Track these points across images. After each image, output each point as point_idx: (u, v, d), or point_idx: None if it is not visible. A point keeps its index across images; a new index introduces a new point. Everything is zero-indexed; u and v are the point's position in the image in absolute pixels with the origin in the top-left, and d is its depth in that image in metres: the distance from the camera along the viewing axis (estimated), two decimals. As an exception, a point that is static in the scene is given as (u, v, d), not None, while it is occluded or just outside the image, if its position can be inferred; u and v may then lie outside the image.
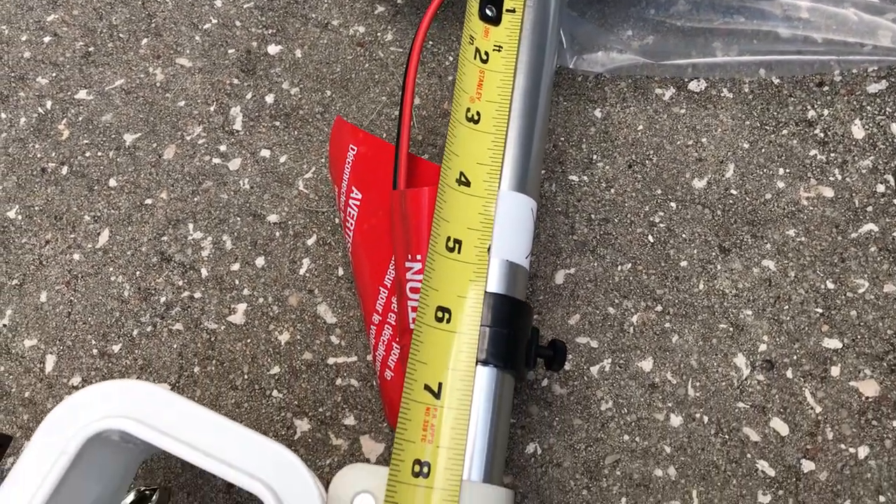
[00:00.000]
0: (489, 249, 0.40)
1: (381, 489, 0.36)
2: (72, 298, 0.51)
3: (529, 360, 0.40)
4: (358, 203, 0.45)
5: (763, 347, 0.46)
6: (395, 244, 0.43)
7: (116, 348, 0.49)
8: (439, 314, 0.39)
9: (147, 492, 0.44)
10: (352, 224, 0.46)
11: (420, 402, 0.38)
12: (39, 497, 0.32)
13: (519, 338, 0.40)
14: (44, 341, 0.50)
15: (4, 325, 0.50)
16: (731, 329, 0.46)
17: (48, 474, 0.33)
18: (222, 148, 0.54)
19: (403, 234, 0.42)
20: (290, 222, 0.51)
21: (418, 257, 0.41)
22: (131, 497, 0.44)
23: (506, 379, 0.39)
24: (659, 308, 0.47)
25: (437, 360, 0.38)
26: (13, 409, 0.48)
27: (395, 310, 0.44)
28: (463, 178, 0.41)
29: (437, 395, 0.38)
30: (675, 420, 0.45)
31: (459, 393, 0.38)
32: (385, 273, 0.45)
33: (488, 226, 0.41)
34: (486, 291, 0.40)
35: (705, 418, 0.45)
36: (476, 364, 0.39)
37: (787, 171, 0.50)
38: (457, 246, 0.40)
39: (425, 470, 0.37)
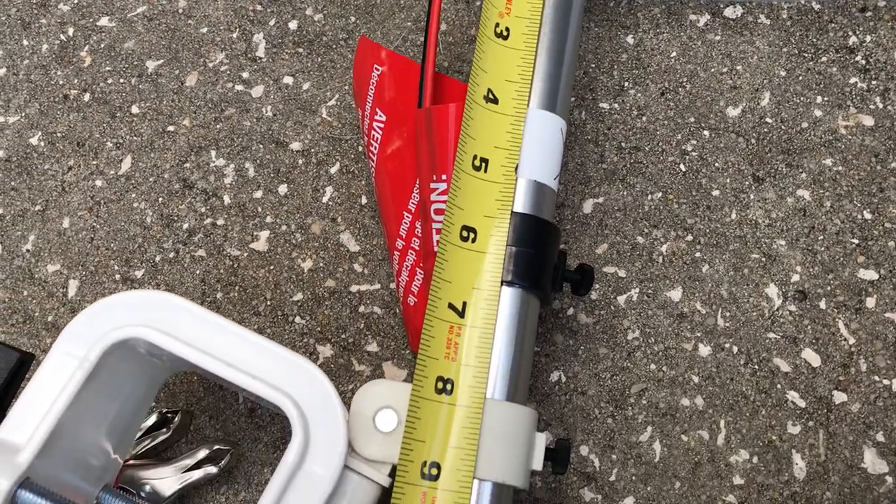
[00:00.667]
0: (517, 169, 0.39)
1: (403, 405, 0.36)
2: (94, 224, 0.50)
3: (556, 283, 0.40)
4: (382, 125, 0.44)
5: (796, 278, 0.45)
6: (419, 165, 0.42)
7: (139, 274, 0.49)
8: (464, 233, 0.38)
9: (169, 414, 0.44)
10: (375, 147, 0.45)
11: (444, 321, 0.37)
12: (60, 404, 0.32)
13: (545, 259, 0.39)
14: (67, 266, 0.49)
15: (28, 251, 0.50)
16: (763, 259, 0.45)
17: (68, 382, 0.33)
18: (245, 75, 0.53)
19: (428, 153, 0.41)
20: (313, 150, 0.51)
21: (443, 177, 0.40)
22: (153, 419, 0.44)
23: (531, 301, 0.39)
24: (689, 237, 0.46)
25: (461, 280, 0.38)
26: (36, 332, 0.48)
27: (419, 234, 0.43)
28: (491, 96, 0.40)
29: (461, 314, 0.37)
30: (704, 350, 0.44)
31: (484, 312, 0.37)
32: (409, 197, 0.44)
33: (516, 145, 0.40)
34: (512, 211, 0.39)
35: (735, 348, 0.44)
36: (501, 285, 0.38)
37: (826, 99, 0.48)
38: (483, 165, 0.39)
39: (448, 387, 0.36)
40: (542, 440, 0.37)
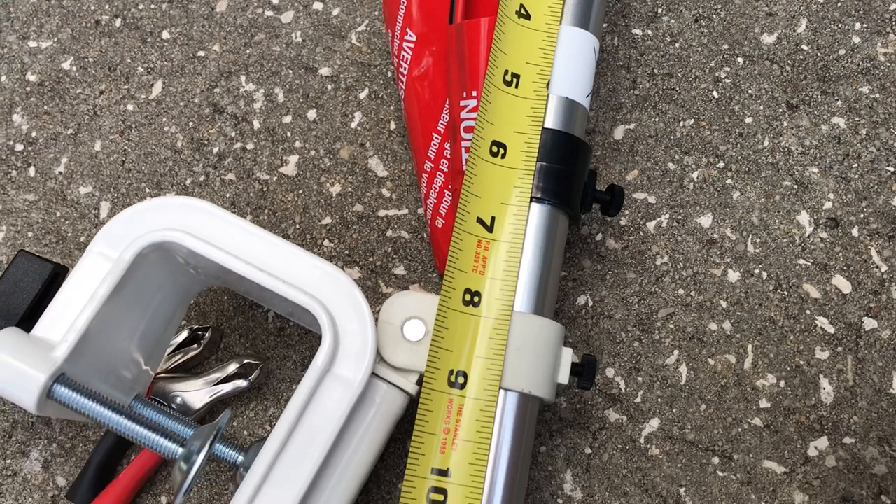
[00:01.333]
0: (548, 85, 0.39)
1: (430, 316, 0.36)
2: (126, 147, 0.51)
3: (585, 202, 0.39)
4: (412, 45, 0.44)
5: (828, 205, 0.44)
6: (449, 83, 0.42)
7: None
8: (494, 149, 0.38)
9: (199, 332, 0.45)
10: (405, 69, 0.45)
11: (472, 234, 0.37)
12: (94, 303, 0.33)
13: (575, 176, 0.39)
14: (98, 188, 0.50)
15: (60, 173, 0.51)
16: (795, 186, 0.45)
17: (102, 282, 0.33)
18: (274, 0, 0.53)
19: (459, 70, 0.41)
20: (342, 76, 0.51)
21: (473, 93, 0.40)
22: (184, 335, 0.45)
23: (560, 218, 0.38)
24: (721, 164, 0.46)
25: (490, 194, 0.38)
26: (69, 252, 0.49)
27: (448, 155, 0.43)
28: (523, 11, 0.40)
29: (489, 229, 0.37)
30: (733, 276, 0.44)
31: (512, 227, 0.37)
32: (438, 118, 0.44)
33: (548, 61, 0.39)
34: (543, 127, 0.38)
35: (764, 274, 0.44)
36: (530, 201, 0.38)
37: (865, 25, 0.47)
38: (514, 80, 0.39)
39: (476, 300, 0.36)
40: (568, 354, 0.37)
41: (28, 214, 0.49)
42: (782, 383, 0.42)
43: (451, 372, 0.35)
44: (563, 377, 0.37)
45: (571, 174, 0.38)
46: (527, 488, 0.42)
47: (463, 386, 0.35)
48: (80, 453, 0.45)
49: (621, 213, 0.45)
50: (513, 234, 0.37)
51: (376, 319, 0.36)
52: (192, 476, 0.30)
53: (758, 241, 0.44)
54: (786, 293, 0.43)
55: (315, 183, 0.48)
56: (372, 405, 0.36)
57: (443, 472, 0.34)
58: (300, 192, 0.48)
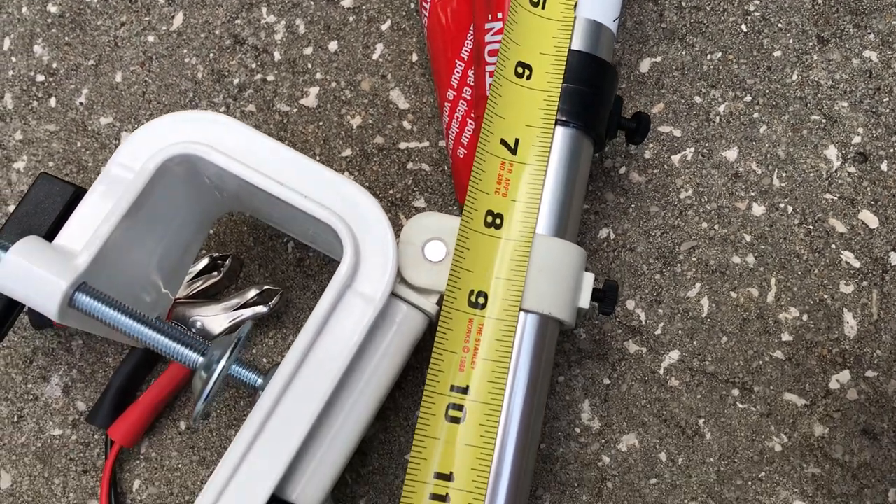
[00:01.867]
0: (575, 7, 0.38)
1: (452, 237, 0.36)
2: (146, 79, 0.50)
3: (611, 128, 0.39)
4: (436, -29, 0.43)
5: (857, 139, 0.43)
6: (474, 7, 0.41)
7: (190, 127, 0.49)
8: (519, 70, 0.38)
9: (219, 260, 0.45)
10: (429, -4, 0.44)
11: (496, 156, 0.37)
12: (115, 214, 0.33)
13: (601, 100, 0.38)
14: (119, 119, 0.50)
15: (81, 104, 0.50)
16: (823, 121, 0.44)
17: (124, 194, 0.33)
18: (297, -69, 0.52)
19: (484, -7, 0.40)
20: (364, 7, 0.50)
21: (499, 16, 0.40)
22: (204, 262, 0.45)
23: (584, 142, 0.38)
24: (748, 98, 0.45)
25: (514, 116, 0.37)
26: (89, 181, 0.49)
27: (472, 83, 0.43)
28: (550, -69, 0.39)
29: (513, 151, 0.37)
30: (758, 209, 0.43)
31: (536, 150, 0.37)
32: (462, 45, 0.43)
33: (575, -18, 0.38)
34: (570, 49, 0.38)
35: (789, 208, 0.43)
36: (555, 124, 0.37)
37: (899, -42, 0.46)
38: (541, 1, 0.38)
39: (498, 221, 0.36)
40: (589, 279, 0.37)
41: (49, 144, 0.49)
42: (805, 317, 0.41)
43: (472, 292, 0.35)
44: (584, 301, 0.36)
45: (597, 98, 0.38)
46: (545, 417, 0.42)
47: (483, 306, 0.35)
48: (99, 379, 0.45)
49: (645, 145, 0.44)
50: (537, 156, 0.37)
51: (398, 241, 0.36)
52: (213, 383, 0.30)
53: (784, 174, 0.43)
54: (811, 227, 0.42)
55: (336, 115, 0.48)
56: (392, 325, 0.36)
57: (462, 390, 0.34)
58: (320, 123, 0.48)
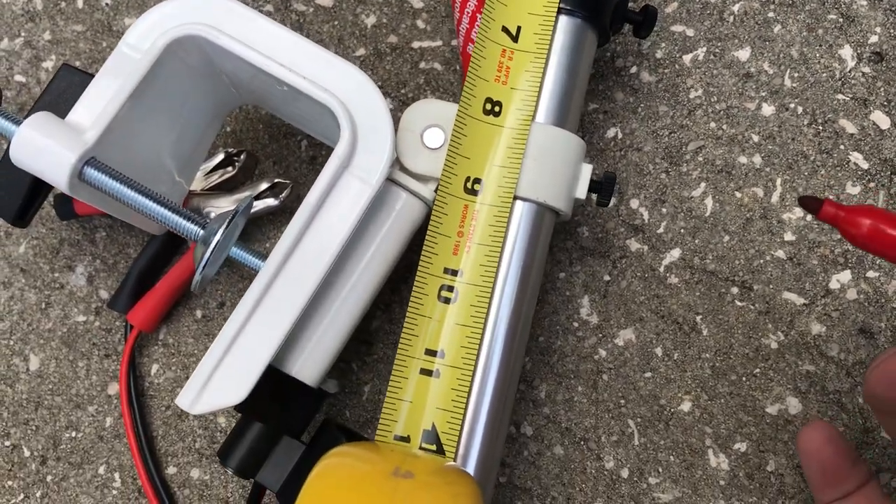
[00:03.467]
0: None
1: (451, 124, 0.36)
2: (168, -21, 0.51)
3: (616, 19, 0.39)
4: None
5: (874, 39, 0.43)
6: None
7: (209, 26, 0.50)
8: (523, -41, 0.37)
9: (235, 155, 0.46)
10: None
11: (496, 43, 0.37)
12: (123, 92, 0.34)
13: (606, -9, 0.38)
14: (142, 19, 0.51)
15: (107, 4, 0.52)
16: (840, 20, 0.43)
17: (132, 73, 0.34)
18: None
19: None
20: None
21: None
22: (220, 157, 0.46)
23: (588, 33, 0.38)
24: (764, -3, 0.44)
25: (517, 3, 0.37)
26: (114, 80, 0.50)
27: (481, -21, 0.43)
28: None
29: (514, 39, 0.37)
30: (767, 109, 0.43)
31: (538, 38, 0.37)
32: (473, -59, 0.43)
33: None
34: (574, -62, 0.38)
35: (799, 109, 0.42)
36: (558, 13, 0.37)
37: None
38: None
39: (497, 109, 0.36)
40: (587, 170, 0.37)
41: (76, 44, 0.51)
42: (809, 217, 0.41)
43: (468, 179, 0.36)
44: (581, 192, 0.37)
45: (601, -12, 0.38)
46: (544, 311, 0.42)
47: (478, 193, 0.36)
48: (121, 269, 0.47)
49: (657, 45, 0.44)
50: (538, 44, 0.37)
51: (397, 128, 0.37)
52: (210, 252, 0.31)
53: (796, 75, 0.43)
54: (820, 128, 0.42)
55: (350, 14, 0.48)
56: (391, 211, 0.37)
57: (455, 273, 0.35)
58: (335, 23, 0.49)
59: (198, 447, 0.45)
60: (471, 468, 0.34)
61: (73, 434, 0.45)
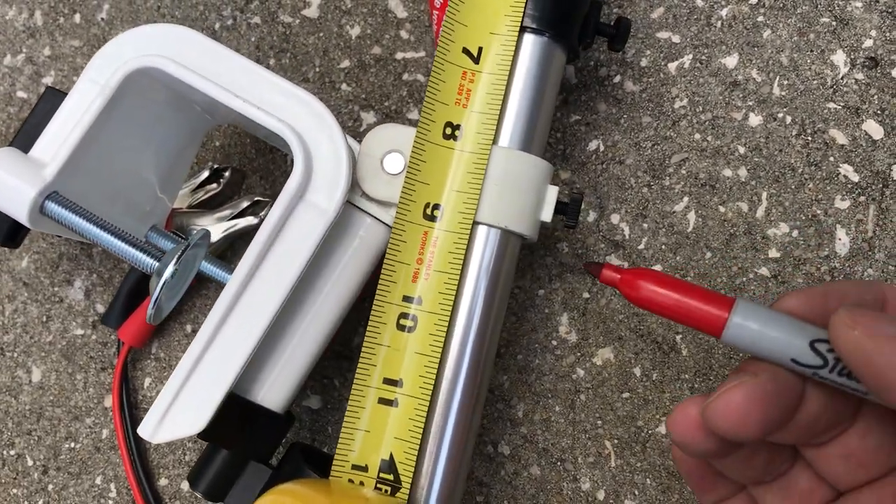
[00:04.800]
0: None
1: (410, 148, 0.36)
2: (160, -7, 0.51)
3: (586, 34, 0.38)
4: None
5: (868, 43, 0.40)
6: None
7: (199, 40, 0.50)
8: (485, -24, 0.36)
9: (221, 170, 0.46)
10: None
11: (456, 66, 0.36)
12: (82, 125, 0.34)
13: (573, 4, 0.37)
14: (135, 34, 0.51)
15: (102, 19, 0.52)
16: (833, 23, 0.41)
17: (90, 106, 0.34)
18: None
19: None
20: (367, -86, 0.49)
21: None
22: (205, 174, 0.46)
23: (555, 52, 0.37)
24: (753, 0, 0.42)
25: (477, 23, 0.36)
26: (109, 95, 0.51)
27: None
28: None
29: (475, 60, 0.36)
30: (754, 119, 0.41)
31: (500, 59, 0.36)
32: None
33: None
34: (538, -50, 0.36)
35: (788, 118, 0.41)
36: (522, 31, 0.36)
37: None
38: None
39: (456, 133, 0.36)
40: (553, 192, 0.36)
41: (74, 60, 0.52)
42: (795, 233, 0.40)
43: (427, 205, 0.35)
44: (547, 215, 0.36)
45: (569, 2, 0.36)
46: (522, 330, 0.42)
47: (437, 219, 0.35)
48: (116, 283, 0.48)
49: (642, 53, 0.43)
50: (499, 65, 0.36)
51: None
52: (160, 287, 0.32)
53: (785, 82, 0.41)
54: (810, 139, 0.40)
55: (336, 25, 0.48)
56: (354, 237, 0.37)
57: (413, 300, 0.35)
58: (321, 34, 0.48)
59: (188, 460, 0.46)
60: (432, 501, 0.34)
61: (72, 445, 0.47)
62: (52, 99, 0.42)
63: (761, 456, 0.29)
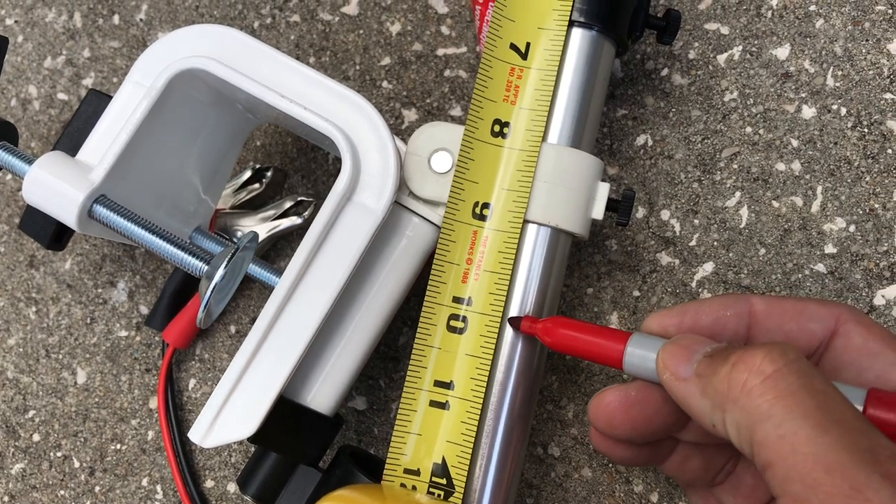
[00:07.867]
0: None
1: (458, 147, 0.35)
2: (199, -7, 0.51)
3: (635, 27, 0.37)
4: None
5: (927, 31, 0.39)
6: None
7: (238, 40, 0.50)
8: (532, -30, 0.36)
9: (263, 171, 0.46)
10: None
11: (504, 62, 0.36)
12: (128, 128, 0.34)
13: (623, -2, 0.36)
14: (174, 34, 0.51)
15: (141, 20, 0.52)
16: (889, 11, 0.40)
17: (137, 109, 0.34)
18: None
19: None
20: None
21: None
22: (248, 174, 0.46)
23: (604, 45, 0.36)
24: (805, -11, 0.41)
25: (525, 18, 0.36)
26: (149, 96, 0.51)
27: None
28: None
29: (523, 56, 0.36)
30: (808, 112, 0.40)
31: (548, 54, 0.35)
32: (491, -55, 0.41)
33: None
34: (586, -56, 0.36)
35: (843, 110, 0.40)
36: (570, 25, 0.36)
37: None
38: None
39: (505, 130, 0.35)
40: (604, 188, 0.35)
41: (113, 61, 0.52)
42: (852, 228, 0.38)
43: (476, 204, 0.35)
44: (598, 213, 0.35)
45: (618, -5, 0.36)
46: (570, 328, 0.41)
47: (487, 218, 0.35)
48: (159, 284, 0.48)
49: (690, 45, 0.42)
50: (548, 60, 0.35)
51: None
52: (211, 289, 0.32)
53: (839, 73, 0.40)
54: (866, 130, 0.39)
55: (375, 22, 0.48)
56: (402, 237, 0.36)
57: (464, 301, 0.34)
58: (361, 32, 0.48)
59: (233, 462, 0.45)
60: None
61: (118, 446, 0.47)
62: (96, 101, 0.42)
63: (695, 459, 0.33)
